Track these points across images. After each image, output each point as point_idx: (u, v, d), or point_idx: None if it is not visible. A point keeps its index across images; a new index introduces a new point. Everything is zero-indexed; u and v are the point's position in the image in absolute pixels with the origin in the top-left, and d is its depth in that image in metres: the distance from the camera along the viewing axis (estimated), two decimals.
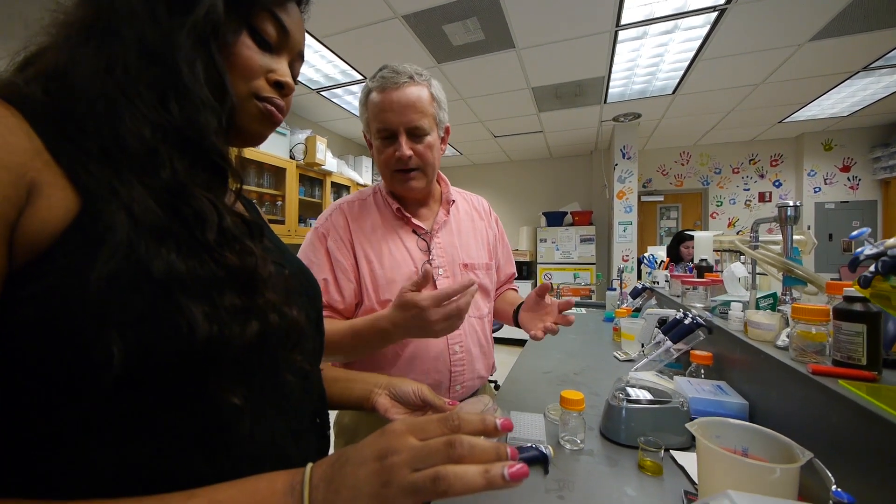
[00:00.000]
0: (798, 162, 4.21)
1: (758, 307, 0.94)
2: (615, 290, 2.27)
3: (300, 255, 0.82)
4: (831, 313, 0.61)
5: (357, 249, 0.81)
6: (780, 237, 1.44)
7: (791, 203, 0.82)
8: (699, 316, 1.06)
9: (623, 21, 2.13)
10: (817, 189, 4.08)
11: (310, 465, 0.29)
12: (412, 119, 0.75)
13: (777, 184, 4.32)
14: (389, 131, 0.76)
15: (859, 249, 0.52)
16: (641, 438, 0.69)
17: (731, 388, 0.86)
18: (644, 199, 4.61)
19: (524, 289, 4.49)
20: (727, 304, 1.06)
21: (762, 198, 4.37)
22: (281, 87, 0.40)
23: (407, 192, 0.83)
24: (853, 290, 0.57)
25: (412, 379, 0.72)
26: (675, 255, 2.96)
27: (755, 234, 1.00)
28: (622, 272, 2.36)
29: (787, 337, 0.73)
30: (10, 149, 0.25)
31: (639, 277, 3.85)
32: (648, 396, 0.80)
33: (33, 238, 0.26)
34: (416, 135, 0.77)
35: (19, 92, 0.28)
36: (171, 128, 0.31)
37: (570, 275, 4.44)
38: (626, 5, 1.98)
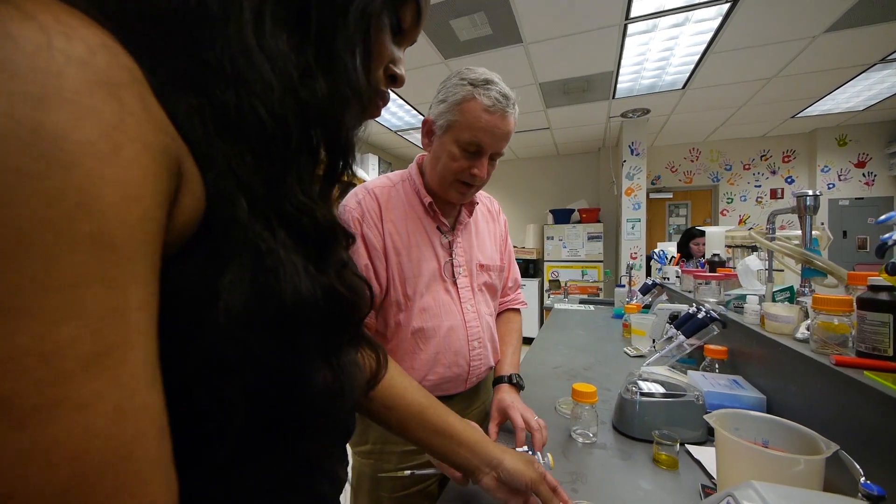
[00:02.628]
0: (811, 158, 4.12)
1: (774, 301, 0.92)
2: (624, 286, 2.25)
3: None
4: (855, 303, 0.59)
5: (386, 237, 0.79)
6: (794, 232, 1.41)
7: (810, 192, 0.80)
8: (713, 310, 1.04)
9: (632, 14, 2.10)
10: (831, 185, 4.00)
11: None
12: (501, 146, 0.77)
13: (789, 180, 4.24)
14: (479, 149, 0.75)
15: (887, 235, 0.50)
16: (656, 432, 0.67)
17: (748, 382, 0.84)
18: (653, 196, 4.55)
19: (531, 287, 4.48)
20: (742, 297, 1.04)
21: (774, 194, 4.29)
22: (394, 80, 0.36)
23: (457, 200, 0.83)
24: (879, 280, 0.55)
25: (439, 372, 0.74)
26: (685, 251, 2.92)
27: (772, 225, 0.97)
28: (631, 268, 2.34)
29: (807, 329, 0.71)
30: (156, 116, 0.18)
31: (648, 274, 3.81)
32: (662, 390, 0.78)
33: (169, 242, 0.19)
34: (492, 158, 0.78)
35: (103, 9, 0.18)
36: (313, 110, 0.25)
37: (578, 272, 4.40)
38: None
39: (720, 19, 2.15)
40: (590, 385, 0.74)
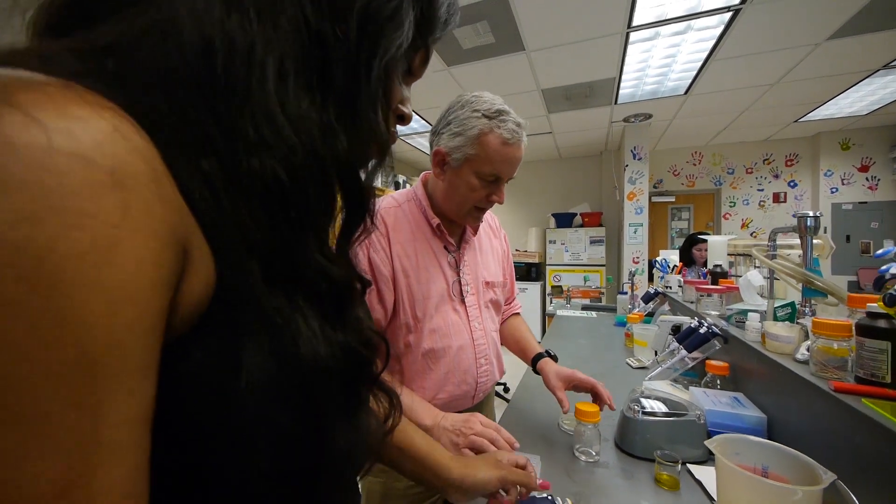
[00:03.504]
0: (814, 162, 4.12)
1: (776, 317, 0.93)
2: (626, 293, 2.26)
3: None
4: (854, 329, 0.60)
5: (395, 260, 0.79)
6: (794, 241, 1.42)
7: (811, 213, 0.81)
8: (715, 325, 1.05)
9: (635, 23, 2.11)
10: (834, 189, 3.99)
11: None
12: (515, 172, 0.80)
13: (792, 184, 4.24)
14: (498, 178, 0.78)
15: (885, 267, 0.51)
16: (658, 452, 0.69)
17: (749, 400, 0.85)
18: (655, 199, 4.55)
19: (533, 290, 4.48)
20: (744, 313, 1.05)
21: (777, 198, 4.29)
22: (402, 119, 0.36)
23: (473, 224, 0.86)
24: (877, 307, 0.56)
25: (448, 390, 0.79)
26: (688, 257, 2.92)
27: (773, 242, 0.98)
28: (633, 275, 2.34)
29: (807, 350, 0.72)
30: (172, 197, 0.18)
31: (650, 280, 3.81)
32: (664, 408, 0.80)
33: (177, 322, 0.19)
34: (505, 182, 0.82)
35: (120, 83, 0.18)
36: (333, 167, 0.25)
37: (580, 276, 4.41)
38: (637, 6, 1.96)
39: (722, 27, 2.16)
40: (593, 404, 0.75)
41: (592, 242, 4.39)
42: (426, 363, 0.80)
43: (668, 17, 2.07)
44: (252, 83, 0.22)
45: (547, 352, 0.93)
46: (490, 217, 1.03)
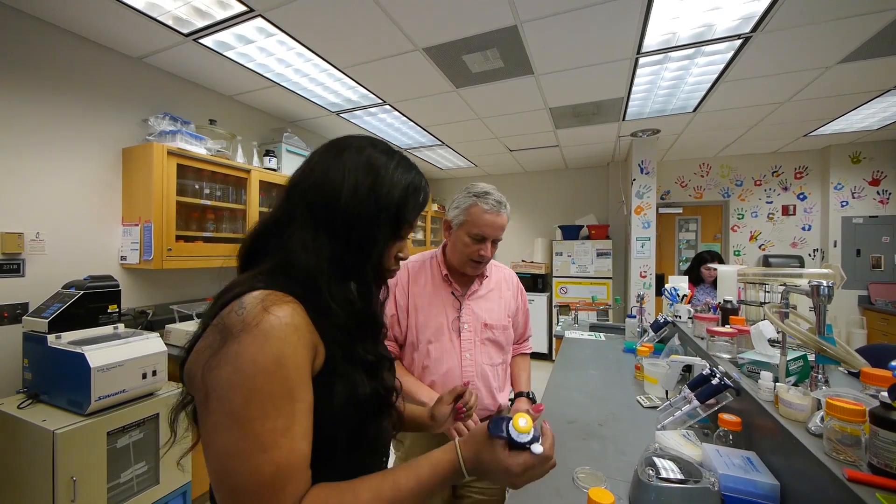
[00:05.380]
0: (824, 175, 4.09)
1: (788, 372, 0.94)
2: (634, 317, 2.27)
3: None
4: (868, 416, 0.61)
5: (410, 299, 1.15)
6: (801, 270, 1.42)
7: (825, 283, 0.82)
8: (727, 375, 1.06)
9: (644, 49, 2.11)
10: (844, 203, 3.96)
11: (457, 444, 0.54)
12: (498, 234, 1.11)
13: (801, 197, 4.21)
14: (483, 237, 1.09)
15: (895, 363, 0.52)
16: None
17: (762, 461, 0.86)
18: (662, 211, 4.54)
19: (539, 302, 4.49)
20: (756, 363, 1.06)
21: (785, 211, 4.26)
22: (399, 260, 0.64)
23: (472, 272, 1.16)
24: (889, 399, 0.58)
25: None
26: (696, 276, 2.92)
27: (785, 300, 0.99)
28: (641, 298, 2.35)
29: (821, 422, 0.73)
30: (310, 326, 0.50)
31: (658, 294, 3.81)
32: (678, 473, 0.81)
33: (312, 373, 0.50)
34: (493, 242, 1.12)
35: (291, 290, 0.50)
36: (359, 309, 0.57)
37: (586, 289, 4.41)
38: (648, 33, 1.97)
39: (732, 52, 2.16)
40: (607, 493, 0.72)
41: (599, 255, 4.39)
42: (423, 376, 1.12)
43: (678, 44, 2.07)
44: (321, 283, 0.53)
45: (528, 393, 1.24)
46: (509, 273, 1.31)
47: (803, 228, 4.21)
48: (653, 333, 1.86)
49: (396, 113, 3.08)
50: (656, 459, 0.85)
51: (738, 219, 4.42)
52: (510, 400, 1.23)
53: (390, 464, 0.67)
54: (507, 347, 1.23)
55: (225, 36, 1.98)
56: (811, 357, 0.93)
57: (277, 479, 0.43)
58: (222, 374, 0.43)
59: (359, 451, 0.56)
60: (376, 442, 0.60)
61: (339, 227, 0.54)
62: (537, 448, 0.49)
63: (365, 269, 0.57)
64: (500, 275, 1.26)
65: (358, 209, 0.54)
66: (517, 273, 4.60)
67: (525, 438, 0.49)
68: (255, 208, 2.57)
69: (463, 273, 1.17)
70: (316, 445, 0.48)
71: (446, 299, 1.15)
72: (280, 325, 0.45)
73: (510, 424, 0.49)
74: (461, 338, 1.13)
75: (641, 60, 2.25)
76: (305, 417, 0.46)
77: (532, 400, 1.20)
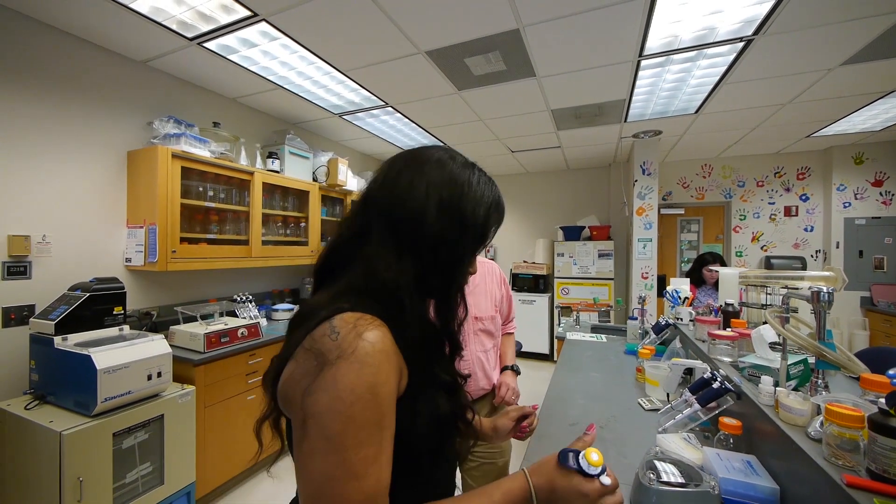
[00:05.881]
0: (826, 176, 4.08)
1: (789, 376, 0.94)
2: (636, 319, 2.27)
3: None
4: (866, 422, 0.62)
5: None
6: (803, 272, 1.42)
7: (826, 289, 0.83)
8: (728, 379, 1.07)
9: (646, 52, 2.12)
10: (847, 204, 3.95)
11: (527, 473, 0.53)
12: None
13: (804, 198, 4.20)
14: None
15: (894, 373, 0.53)
16: None
17: (762, 464, 0.87)
18: (664, 212, 4.54)
19: (541, 302, 4.50)
20: (757, 367, 1.06)
21: (788, 212, 4.25)
22: (472, 274, 0.67)
23: None
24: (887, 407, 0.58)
25: None
26: (698, 278, 2.93)
27: (786, 305, 1.00)
28: (643, 299, 2.35)
29: (820, 427, 0.74)
30: (397, 352, 0.51)
31: (659, 295, 3.81)
32: (679, 476, 0.82)
33: (397, 396, 0.51)
34: None
35: (377, 311, 0.51)
36: (438, 330, 0.61)
37: (588, 290, 4.41)
38: (650, 36, 1.97)
39: (734, 55, 2.16)
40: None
41: (601, 256, 4.39)
42: None
43: (679, 47, 2.08)
44: (403, 304, 0.53)
45: (513, 366, 1.39)
46: (490, 267, 1.40)
47: (805, 229, 4.20)
48: (654, 335, 1.86)
49: (398, 115, 3.09)
50: (657, 463, 0.86)
51: (740, 220, 4.42)
52: (501, 370, 1.39)
53: None
54: (497, 333, 1.37)
55: (229, 40, 1.99)
56: (812, 360, 0.94)
57: None
58: (321, 399, 0.45)
59: (438, 468, 0.59)
60: (455, 458, 0.63)
61: (423, 247, 0.53)
62: (606, 480, 0.51)
63: (450, 289, 0.58)
64: (484, 269, 1.35)
65: (443, 231, 0.53)
66: (519, 274, 4.64)
67: (596, 471, 0.51)
68: (258, 210, 2.59)
69: None
70: (397, 464, 0.49)
71: None
72: (374, 351, 0.46)
73: (582, 457, 0.51)
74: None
75: (643, 63, 2.26)
76: (390, 445, 0.48)
77: (517, 372, 1.36)
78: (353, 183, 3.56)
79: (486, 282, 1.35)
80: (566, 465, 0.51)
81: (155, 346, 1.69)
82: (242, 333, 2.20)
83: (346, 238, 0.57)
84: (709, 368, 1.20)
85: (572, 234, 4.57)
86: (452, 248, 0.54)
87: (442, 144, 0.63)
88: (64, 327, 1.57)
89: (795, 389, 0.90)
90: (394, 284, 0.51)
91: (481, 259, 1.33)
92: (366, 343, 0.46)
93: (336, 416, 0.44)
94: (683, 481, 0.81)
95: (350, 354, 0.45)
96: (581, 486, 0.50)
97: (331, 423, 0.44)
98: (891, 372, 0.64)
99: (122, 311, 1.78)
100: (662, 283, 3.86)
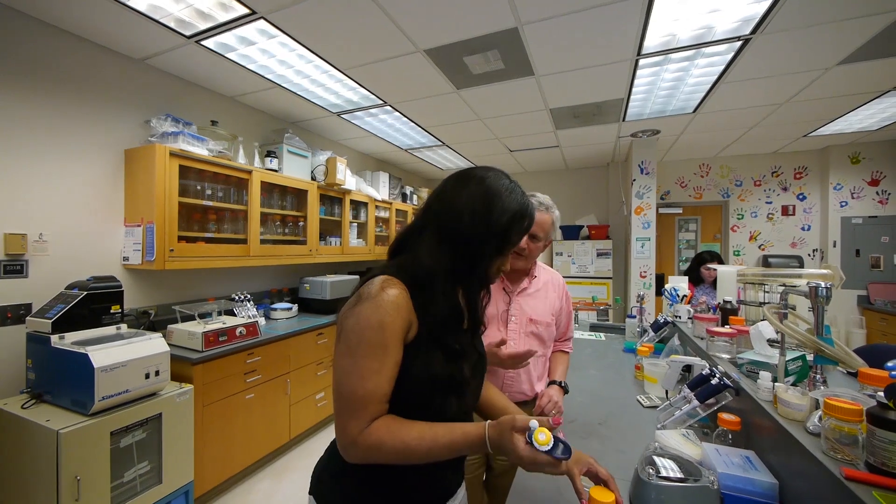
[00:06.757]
0: (823, 175, 4.10)
1: (787, 372, 0.95)
2: (634, 317, 2.28)
3: None
4: (865, 416, 0.62)
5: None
6: (800, 271, 1.43)
7: (823, 285, 0.83)
8: (726, 375, 1.07)
9: (644, 50, 2.12)
10: (843, 203, 3.97)
11: (486, 424, 0.66)
12: (538, 231, 1.25)
13: (801, 197, 4.22)
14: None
15: (893, 365, 0.53)
16: None
17: (760, 460, 0.87)
18: (662, 211, 4.55)
19: None
20: (755, 363, 1.07)
21: (785, 211, 4.27)
22: (503, 271, 0.81)
23: (514, 265, 1.27)
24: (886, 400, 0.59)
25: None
26: (696, 276, 2.94)
27: (784, 301, 1.00)
28: (641, 298, 2.36)
29: (819, 422, 0.74)
30: (409, 308, 0.68)
31: (658, 294, 3.82)
32: (678, 471, 0.82)
33: (404, 343, 0.68)
34: (533, 238, 1.25)
35: (405, 280, 0.70)
36: (461, 308, 0.76)
37: (586, 289, 4.42)
38: (648, 34, 1.97)
39: (732, 54, 2.17)
40: (608, 493, 0.73)
41: (599, 255, 4.39)
42: None
43: (678, 46, 2.08)
44: (435, 283, 0.71)
45: (560, 382, 1.30)
46: (557, 277, 1.42)
47: (803, 228, 4.22)
48: (653, 333, 1.86)
49: (397, 114, 3.09)
50: (656, 458, 0.86)
51: (738, 219, 4.43)
52: (549, 384, 1.34)
53: None
54: (549, 342, 1.34)
55: (227, 38, 1.98)
56: (810, 357, 0.94)
57: (364, 399, 0.65)
58: (349, 322, 0.67)
59: (427, 416, 0.70)
60: (442, 415, 0.73)
61: (457, 243, 0.71)
62: (558, 454, 0.61)
63: (472, 277, 0.75)
64: (548, 277, 1.39)
65: (472, 232, 0.71)
66: None
67: (543, 449, 0.61)
68: (256, 209, 2.58)
69: (513, 269, 1.29)
70: (408, 398, 0.69)
71: (498, 294, 1.29)
72: (388, 301, 0.66)
73: (532, 435, 0.62)
74: (508, 328, 1.27)
75: (641, 62, 2.26)
76: (391, 368, 0.66)
77: (565, 389, 1.29)
78: (351, 182, 3.55)
79: (547, 288, 1.35)
80: (519, 431, 0.64)
81: (153, 345, 1.69)
82: (241, 332, 2.19)
83: (409, 231, 0.78)
84: (707, 365, 1.20)
85: (571, 233, 4.58)
86: (478, 246, 0.71)
87: (492, 166, 0.79)
88: (61, 326, 1.56)
89: (794, 385, 0.90)
90: (431, 267, 0.71)
91: (546, 267, 1.39)
92: (385, 294, 0.66)
93: (354, 334, 0.66)
94: (682, 476, 0.81)
95: (373, 298, 0.66)
96: (518, 450, 0.62)
97: (351, 337, 0.66)
98: (889, 364, 0.65)
99: (120, 310, 1.77)
100: (661, 281, 3.87)
